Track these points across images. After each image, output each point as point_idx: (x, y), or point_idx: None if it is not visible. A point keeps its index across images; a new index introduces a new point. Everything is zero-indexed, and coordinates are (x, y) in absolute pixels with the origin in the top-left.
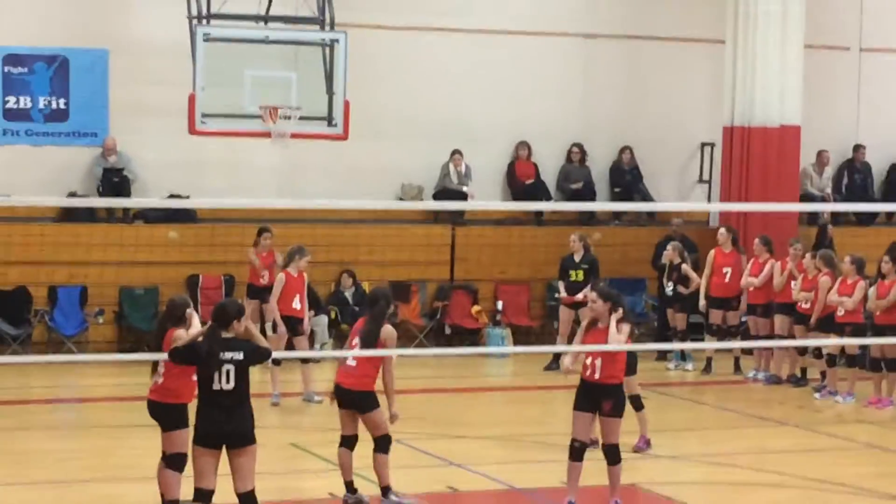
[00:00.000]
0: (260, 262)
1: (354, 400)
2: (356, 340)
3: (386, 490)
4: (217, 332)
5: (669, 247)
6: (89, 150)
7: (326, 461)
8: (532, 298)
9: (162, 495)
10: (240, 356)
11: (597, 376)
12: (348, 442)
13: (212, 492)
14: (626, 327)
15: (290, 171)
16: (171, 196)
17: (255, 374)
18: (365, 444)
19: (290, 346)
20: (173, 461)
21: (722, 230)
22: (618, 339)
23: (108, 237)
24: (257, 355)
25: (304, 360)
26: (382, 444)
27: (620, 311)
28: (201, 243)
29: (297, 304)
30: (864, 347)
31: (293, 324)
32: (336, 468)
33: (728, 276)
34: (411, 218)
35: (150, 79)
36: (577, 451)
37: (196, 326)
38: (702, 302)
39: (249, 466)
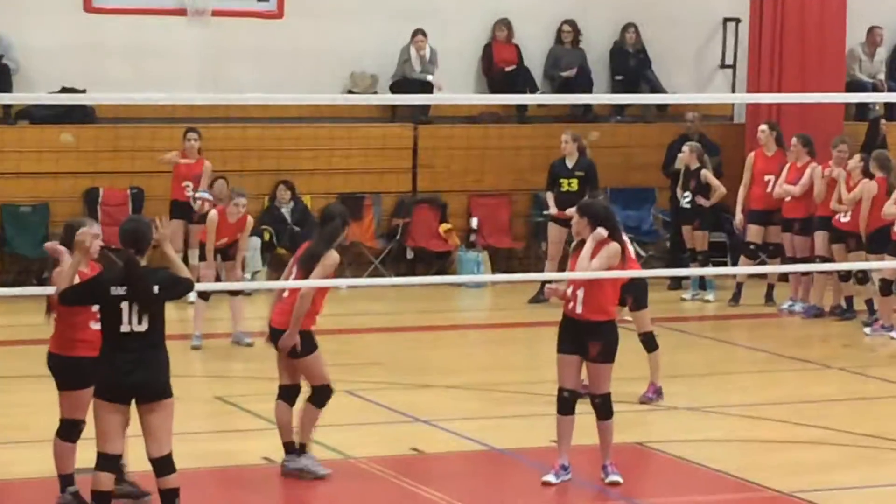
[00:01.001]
0: (185, 169)
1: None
2: (295, 269)
3: (302, 448)
4: (135, 262)
5: (686, 148)
6: None
7: (260, 418)
8: (514, 214)
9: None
10: (155, 289)
11: (579, 310)
12: (287, 393)
13: (118, 457)
14: (608, 250)
15: (213, 58)
16: (64, 90)
17: (171, 310)
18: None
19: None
20: (65, 429)
21: (763, 127)
22: (585, 266)
23: None
24: (178, 287)
25: (233, 293)
26: (318, 396)
27: (600, 230)
28: (102, 149)
29: (230, 245)
30: None
31: (224, 250)
32: (270, 426)
33: (772, 184)
34: (363, 115)
35: None
36: (566, 403)
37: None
38: (738, 217)
39: (165, 425)
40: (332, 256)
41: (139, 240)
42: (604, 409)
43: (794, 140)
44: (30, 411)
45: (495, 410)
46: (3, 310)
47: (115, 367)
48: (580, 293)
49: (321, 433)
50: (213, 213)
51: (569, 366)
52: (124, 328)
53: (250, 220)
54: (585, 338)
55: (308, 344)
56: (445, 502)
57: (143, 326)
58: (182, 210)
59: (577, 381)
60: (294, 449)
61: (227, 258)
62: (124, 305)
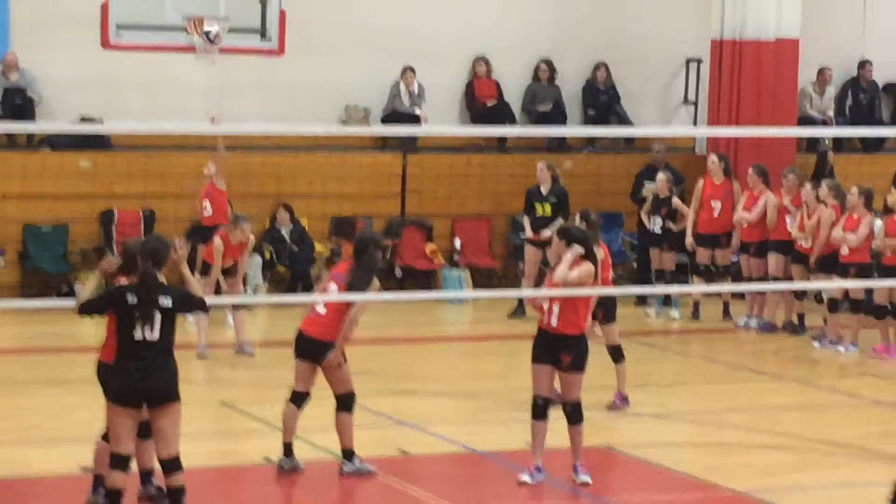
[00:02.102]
0: (200, 193)
1: (318, 351)
2: (333, 286)
3: (350, 454)
4: (152, 274)
5: (661, 177)
6: None
7: (260, 421)
8: (493, 236)
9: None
10: (169, 303)
11: (554, 323)
12: (298, 399)
13: (129, 458)
14: (583, 268)
15: (219, 92)
16: (82, 120)
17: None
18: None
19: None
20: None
21: (713, 157)
22: (564, 273)
23: (9, 167)
24: (189, 303)
25: (237, 307)
26: (346, 402)
27: (576, 246)
28: (117, 174)
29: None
30: (869, 291)
31: (226, 269)
32: (270, 429)
33: (718, 210)
34: (356, 144)
35: None
36: (540, 409)
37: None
38: (688, 239)
39: (172, 428)
40: (374, 284)
41: (156, 256)
42: (575, 414)
43: (750, 171)
44: (44, 414)
45: (475, 416)
46: (24, 320)
47: (128, 373)
48: (556, 308)
49: (316, 435)
50: (219, 241)
51: (543, 375)
52: (137, 336)
53: (252, 239)
54: (559, 349)
55: (343, 356)
56: (429, 499)
57: (155, 335)
58: (198, 232)
59: (550, 388)
60: (291, 451)
61: (230, 275)
62: (138, 314)
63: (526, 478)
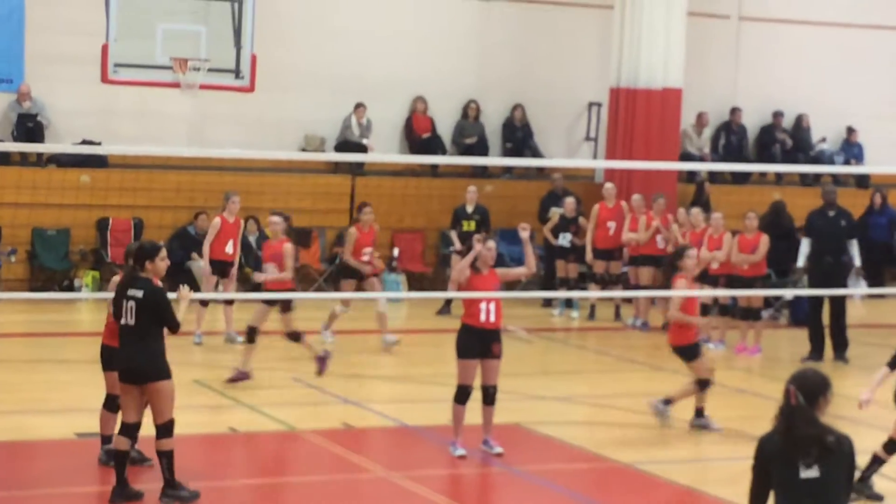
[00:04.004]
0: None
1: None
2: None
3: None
4: (132, 269)
5: (569, 200)
6: (5, 95)
7: (225, 396)
8: (426, 246)
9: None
10: (139, 294)
11: (493, 319)
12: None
13: (134, 425)
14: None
15: (199, 121)
16: (84, 142)
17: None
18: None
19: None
20: (109, 401)
21: (608, 185)
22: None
23: (21, 180)
24: (154, 304)
25: (229, 302)
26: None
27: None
28: (111, 188)
29: (229, 249)
30: (734, 298)
31: (223, 267)
32: (239, 404)
33: (612, 229)
34: (313, 168)
35: (66, 28)
36: (466, 396)
37: None
38: (588, 255)
39: (159, 402)
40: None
41: (134, 254)
42: (492, 396)
43: (634, 197)
44: (48, 388)
45: (408, 396)
46: (32, 309)
47: (118, 354)
48: (492, 307)
49: (274, 410)
50: (217, 220)
51: (472, 368)
52: (122, 321)
53: (242, 223)
54: (491, 341)
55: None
56: (367, 464)
57: (132, 321)
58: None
59: (473, 379)
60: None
61: (226, 276)
62: (125, 303)
63: (461, 451)
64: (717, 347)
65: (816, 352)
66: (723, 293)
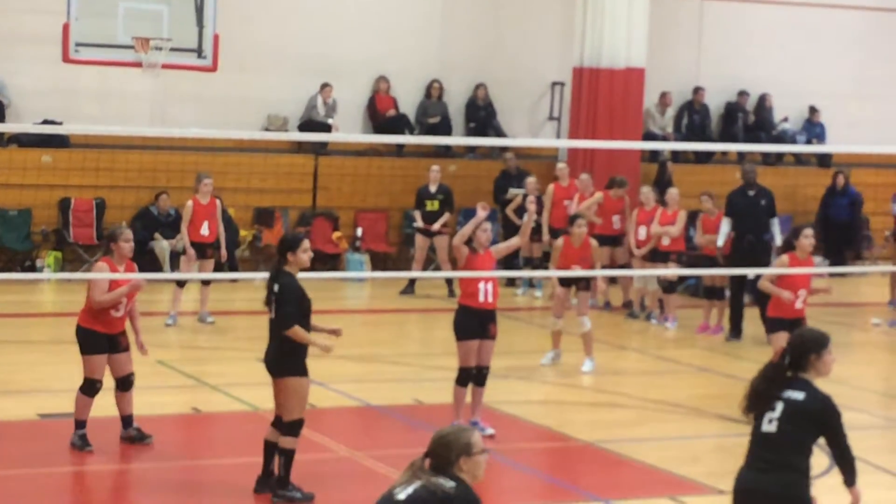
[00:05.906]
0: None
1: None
2: None
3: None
4: (278, 262)
5: (531, 179)
6: None
7: (188, 376)
8: (390, 226)
9: None
10: (277, 289)
11: (490, 299)
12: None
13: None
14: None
15: (161, 101)
16: (45, 122)
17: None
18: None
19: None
20: (86, 386)
21: (561, 165)
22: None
23: None
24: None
25: (206, 282)
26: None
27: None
28: (73, 168)
29: (204, 231)
30: (697, 277)
31: (201, 248)
32: (201, 384)
33: (570, 207)
34: (276, 147)
35: (26, 7)
36: (468, 378)
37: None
38: (546, 236)
39: (284, 398)
40: None
41: (277, 247)
42: (485, 377)
43: (582, 176)
44: (13, 369)
45: (371, 375)
46: None
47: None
48: (490, 287)
49: (237, 390)
50: (190, 203)
51: (473, 350)
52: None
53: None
54: (489, 321)
55: None
56: (331, 444)
57: (273, 315)
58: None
59: (475, 361)
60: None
61: (206, 257)
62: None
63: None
64: (672, 325)
65: (735, 330)
66: (687, 272)
